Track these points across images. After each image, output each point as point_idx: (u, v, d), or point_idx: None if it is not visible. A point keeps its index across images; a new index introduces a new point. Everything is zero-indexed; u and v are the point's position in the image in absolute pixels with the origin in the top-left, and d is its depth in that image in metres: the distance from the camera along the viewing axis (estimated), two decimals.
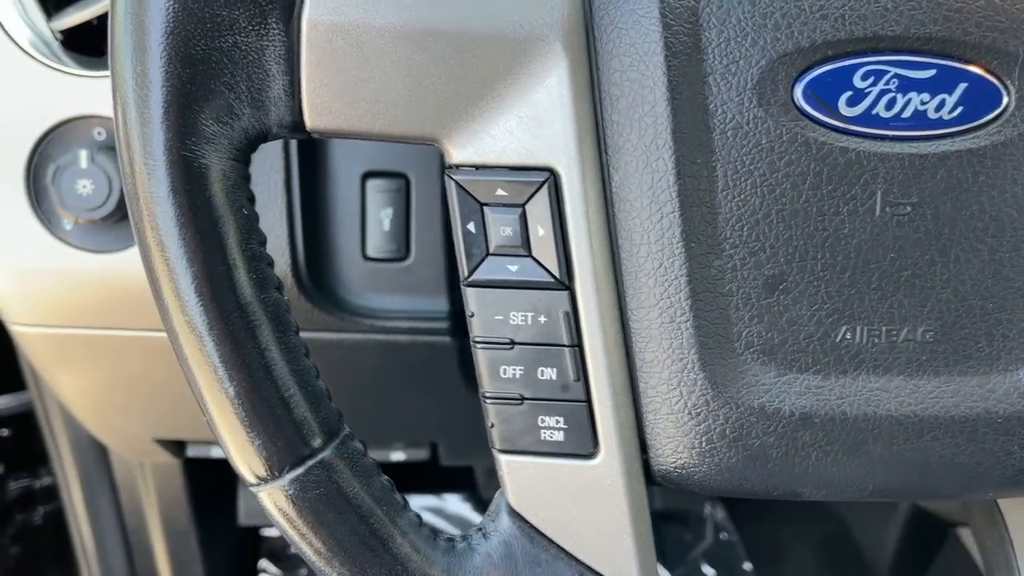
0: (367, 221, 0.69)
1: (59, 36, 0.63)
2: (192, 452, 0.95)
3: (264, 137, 0.37)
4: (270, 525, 1.16)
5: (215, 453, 0.93)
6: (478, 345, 0.39)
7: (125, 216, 0.63)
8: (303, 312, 0.68)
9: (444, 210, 0.69)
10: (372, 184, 0.68)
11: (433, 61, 0.35)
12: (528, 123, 0.36)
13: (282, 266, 0.66)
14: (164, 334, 0.71)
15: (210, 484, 1.10)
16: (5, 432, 1.25)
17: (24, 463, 1.28)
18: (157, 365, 0.73)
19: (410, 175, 0.69)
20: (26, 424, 1.24)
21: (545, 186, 0.36)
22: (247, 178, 0.37)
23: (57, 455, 1.06)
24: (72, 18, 0.62)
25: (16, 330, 0.70)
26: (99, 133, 0.63)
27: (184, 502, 1.08)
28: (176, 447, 0.93)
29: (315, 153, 0.67)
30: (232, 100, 0.35)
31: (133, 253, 0.64)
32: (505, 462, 0.41)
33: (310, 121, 0.37)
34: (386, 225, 0.69)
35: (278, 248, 0.65)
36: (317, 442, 0.39)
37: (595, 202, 0.37)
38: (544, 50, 0.35)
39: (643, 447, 0.40)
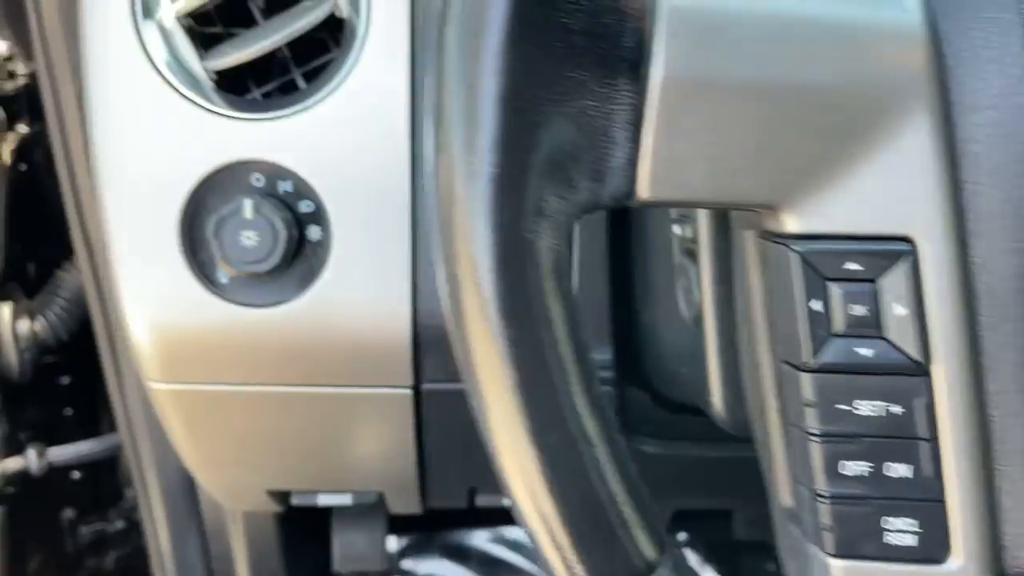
0: None
1: (213, 76, 0.59)
2: (296, 500, 0.91)
3: (592, 209, 0.33)
4: (367, 572, 1.12)
5: (322, 501, 0.89)
6: (815, 438, 0.35)
7: (286, 268, 0.59)
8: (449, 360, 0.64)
9: (610, 250, 0.65)
10: None
11: (786, 120, 0.31)
12: (883, 187, 0.32)
13: None
14: (301, 388, 0.67)
15: (303, 530, 1.06)
16: (76, 475, 1.21)
17: (96, 507, 1.23)
18: (285, 419, 0.69)
19: None
20: (97, 468, 1.20)
21: (904, 258, 0.32)
22: (570, 255, 0.33)
23: (146, 500, 1.02)
24: (230, 58, 0.58)
25: (152, 386, 0.66)
26: (257, 179, 0.59)
27: (276, 549, 1.04)
28: (283, 496, 0.89)
29: None
30: (574, 172, 0.31)
31: (290, 307, 0.60)
32: (841, 568, 0.37)
33: (645, 191, 0.33)
34: None
35: None
36: (651, 555, 0.34)
37: (956, 274, 0.33)
38: (902, 106, 0.31)
39: (997, 547, 0.35)
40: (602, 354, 0.67)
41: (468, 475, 0.82)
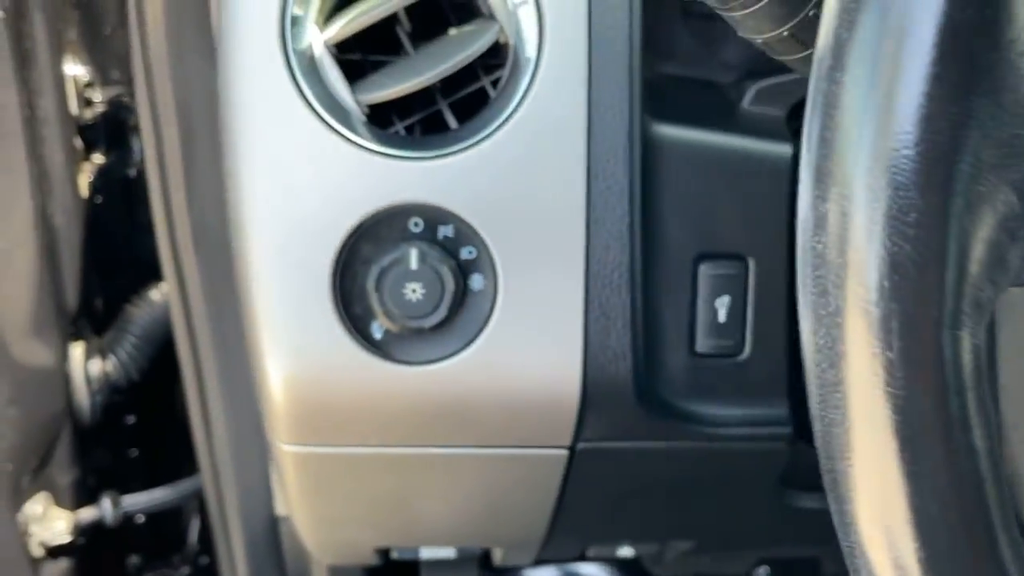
0: (697, 311, 0.59)
1: (366, 111, 0.53)
2: (397, 554, 0.86)
3: (1005, 289, 0.27)
4: None
5: (424, 555, 0.84)
6: None
7: (449, 322, 0.53)
8: (628, 419, 0.58)
9: (789, 298, 0.59)
10: (706, 268, 0.59)
11: None
12: None
13: (622, 370, 0.56)
14: (448, 450, 0.61)
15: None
16: (140, 518, 1.15)
17: (160, 553, 1.17)
18: (422, 481, 0.63)
19: (749, 257, 0.59)
20: (162, 513, 1.14)
21: None
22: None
23: (226, 548, 0.96)
24: (388, 91, 0.52)
25: (283, 448, 0.60)
26: (416, 224, 0.53)
27: None
28: (385, 552, 0.84)
29: (643, 231, 0.58)
30: (1010, 251, 0.25)
31: (451, 365, 0.54)
32: None
33: None
34: (721, 316, 0.59)
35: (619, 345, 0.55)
36: None
37: None
38: None
39: None
40: (776, 409, 0.61)
41: (596, 529, 0.77)
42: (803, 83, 0.63)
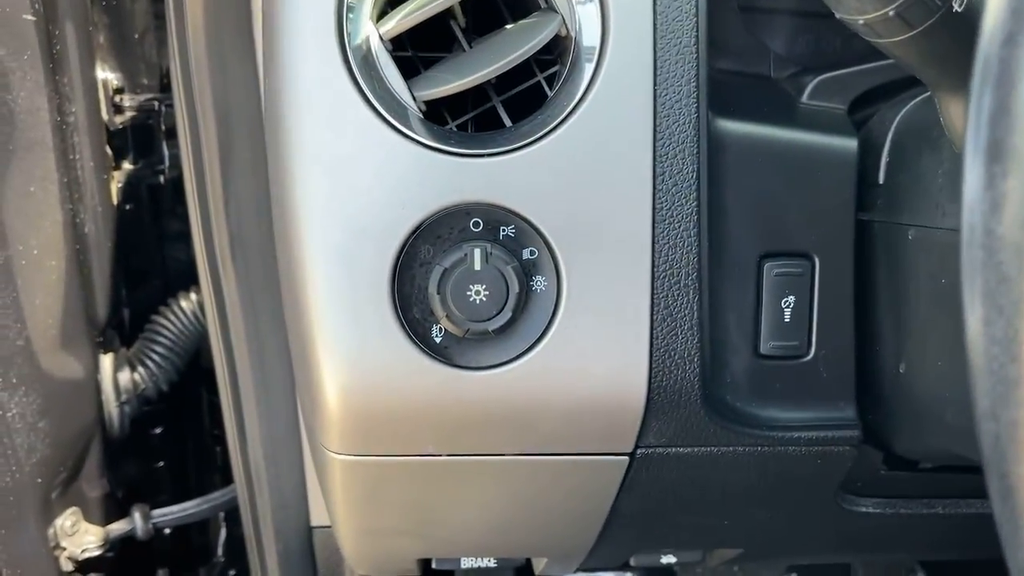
0: (762, 311, 0.57)
1: (423, 108, 0.52)
2: (438, 565, 0.84)
3: None
4: None
5: (465, 565, 0.82)
6: None
7: (512, 325, 0.52)
8: (692, 424, 0.57)
9: (857, 296, 0.58)
10: (771, 266, 0.57)
11: None
12: None
13: (688, 373, 0.54)
14: (505, 457, 0.59)
15: None
16: (167, 531, 1.13)
17: (188, 566, 1.15)
18: (475, 489, 0.61)
19: (815, 256, 0.57)
20: (189, 525, 1.12)
21: None
22: None
23: (258, 558, 0.94)
24: (446, 87, 0.50)
25: (334, 457, 0.58)
26: (476, 224, 0.52)
27: None
28: (425, 562, 0.82)
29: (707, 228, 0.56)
30: None
31: (513, 369, 0.52)
32: None
33: None
34: (787, 316, 0.57)
35: (685, 348, 0.54)
36: None
37: None
38: None
39: None
40: (843, 411, 0.59)
41: (645, 537, 0.75)
42: (865, 75, 0.61)
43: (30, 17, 0.74)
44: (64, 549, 0.92)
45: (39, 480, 0.87)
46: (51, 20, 0.76)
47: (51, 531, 0.91)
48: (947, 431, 0.55)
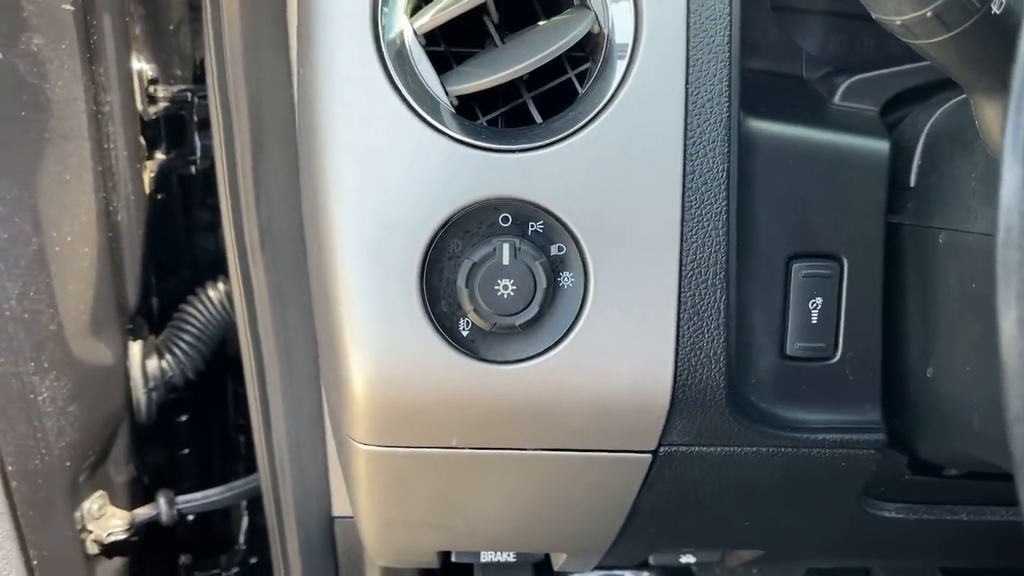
0: (789, 312, 0.57)
1: (455, 103, 0.52)
2: (458, 558, 0.84)
3: None
4: None
5: (485, 559, 0.83)
6: None
7: (538, 320, 0.52)
8: (716, 423, 0.57)
9: (886, 300, 0.57)
10: (799, 267, 0.57)
11: None
12: None
13: (714, 372, 0.54)
14: (527, 452, 0.60)
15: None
16: (190, 518, 1.14)
17: (209, 553, 1.17)
18: (496, 483, 0.62)
19: (844, 258, 0.57)
20: (211, 513, 1.13)
21: None
22: None
23: (280, 547, 0.95)
24: (479, 83, 0.50)
25: (359, 448, 0.59)
26: (505, 219, 0.52)
27: None
28: (445, 554, 0.82)
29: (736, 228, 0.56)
30: None
31: (538, 364, 0.53)
32: None
33: None
34: (814, 317, 0.57)
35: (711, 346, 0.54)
36: None
37: None
38: None
39: None
40: (868, 414, 0.59)
41: (665, 535, 0.75)
42: (898, 77, 0.61)
43: (69, 7, 0.75)
44: (90, 532, 0.93)
45: (68, 463, 0.88)
46: (89, 10, 0.78)
47: (78, 514, 0.92)
48: (974, 436, 0.55)
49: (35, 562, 0.86)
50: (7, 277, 0.77)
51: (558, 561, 0.80)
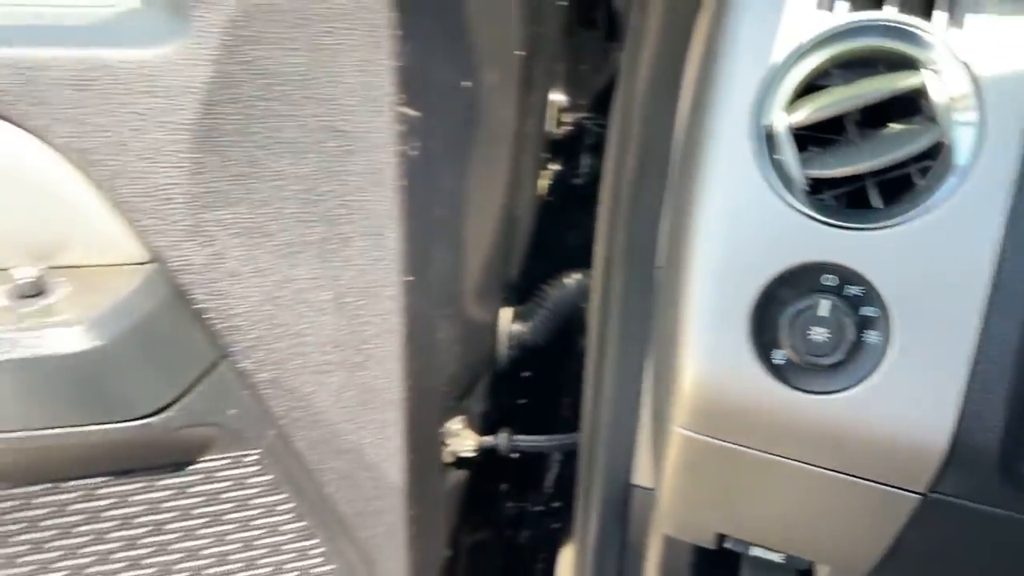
0: None
1: (809, 182, 0.66)
2: (730, 545, 0.97)
3: None
4: None
5: (754, 552, 0.95)
6: None
7: (842, 364, 0.65)
8: (985, 484, 0.65)
9: None
10: None
11: None
12: None
13: (991, 440, 0.63)
14: (813, 467, 0.72)
15: (711, 563, 1.13)
16: (514, 455, 1.39)
17: (521, 488, 1.41)
18: (780, 486, 0.75)
19: None
20: (530, 455, 1.37)
21: None
22: None
23: (584, 500, 1.15)
24: (833, 171, 0.64)
25: (678, 431, 0.75)
26: (828, 280, 0.65)
27: (685, 572, 1.13)
28: (720, 538, 0.96)
29: None
30: None
31: (835, 399, 0.66)
32: None
33: None
34: None
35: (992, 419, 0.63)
36: None
37: None
38: None
39: None
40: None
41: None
42: None
43: (519, 52, 0.99)
44: (448, 445, 1.21)
45: (445, 390, 1.16)
46: (531, 54, 1.01)
47: (443, 430, 1.20)
48: None
49: (411, 456, 1.14)
50: (439, 243, 1.04)
51: (822, 573, 0.91)
